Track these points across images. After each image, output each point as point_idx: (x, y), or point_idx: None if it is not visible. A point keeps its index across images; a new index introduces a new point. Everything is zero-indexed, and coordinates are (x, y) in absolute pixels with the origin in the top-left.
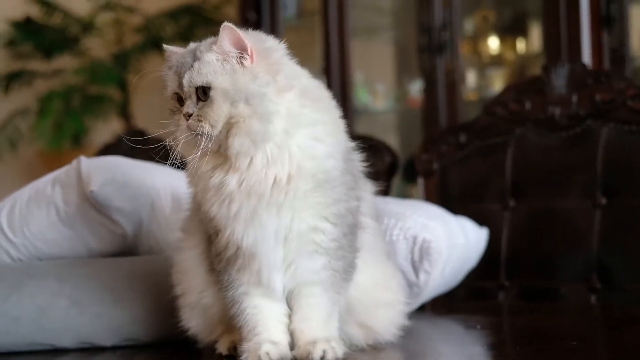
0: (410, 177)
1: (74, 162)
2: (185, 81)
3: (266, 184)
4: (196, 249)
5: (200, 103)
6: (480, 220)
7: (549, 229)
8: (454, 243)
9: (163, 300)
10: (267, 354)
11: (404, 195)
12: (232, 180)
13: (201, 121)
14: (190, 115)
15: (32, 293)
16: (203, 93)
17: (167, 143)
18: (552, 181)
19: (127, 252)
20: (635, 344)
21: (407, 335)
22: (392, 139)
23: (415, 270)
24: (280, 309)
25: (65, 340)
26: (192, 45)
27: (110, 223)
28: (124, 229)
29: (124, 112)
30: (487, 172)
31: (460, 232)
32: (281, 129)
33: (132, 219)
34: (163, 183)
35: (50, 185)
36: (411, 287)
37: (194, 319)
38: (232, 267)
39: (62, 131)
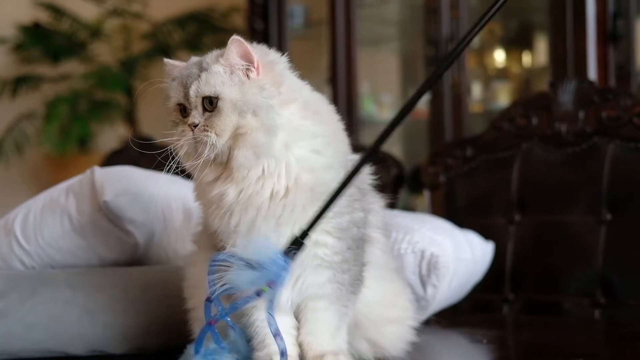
0: (414, 188)
1: (88, 172)
2: (192, 91)
3: (263, 196)
4: (207, 263)
5: (207, 113)
6: (485, 233)
7: (554, 244)
8: (461, 257)
9: (174, 310)
10: None
11: (408, 205)
12: (231, 192)
13: (207, 131)
14: (196, 126)
15: (46, 301)
16: (209, 103)
17: (169, 152)
18: (557, 196)
19: (137, 262)
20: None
21: (414, 349)
22: (396, 150)
23: (423, 284)
24: (288, 321)
25: (77, 348)
26: (194, 58)
27: (123, 233)
28: (136, 239)
29: (130, 117)
30: (493, 186)
31: (467, 247)
32: (281, 141)
33: (144, 230)
34: (174, 195)
35: (64, 195)
36: (419, 300)
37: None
38: None
39: (69, 136)
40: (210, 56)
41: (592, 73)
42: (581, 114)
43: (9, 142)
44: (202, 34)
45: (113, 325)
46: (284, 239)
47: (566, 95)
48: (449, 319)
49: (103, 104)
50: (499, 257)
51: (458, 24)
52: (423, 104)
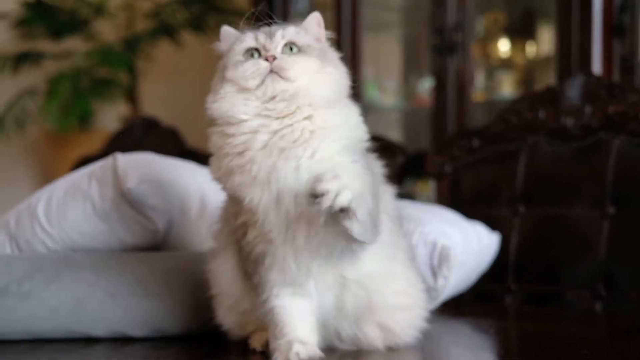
0: (415, 174)
1: (110, 159)
2: (278, 33)
3: (289, 139)
4: (230, 259)
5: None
6: (490, 224)
7: (557, 236)
8: (469, 249)
9: (194, 295)
10: (297, 354)
11: (408, 192)
12: (261, 137)
13: (286, 69)
14: (274, 58)
15: (70, 284)
16: (290, 50)
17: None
18: (562, 190)
19: (156, 248)
20: None
21: (423, 338)
22: (395, 135)
23: (434, 274)
24: (308, 306)
25: (99, 330)
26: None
27: (144, 219)
28: (156, 226)
29: (131, 96)
30: (499, 177)
31: (475, 238)
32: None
33: (164, 217)
34: (192, 184)
35: (86, 180)
36: (429, 291)
37: (229, 318)
38: (262, 265)
39: (70, 113)
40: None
41: (597, 66)
42: (588, 109)
43: (9, 118)
44: (206, 14)
45: (134, 308)
46: (302, 184)
47: (573, 90)
48: (453, 308)
49: (105, 82)
50: (503, 248)
51: (465, 13)
52: (426, 92)
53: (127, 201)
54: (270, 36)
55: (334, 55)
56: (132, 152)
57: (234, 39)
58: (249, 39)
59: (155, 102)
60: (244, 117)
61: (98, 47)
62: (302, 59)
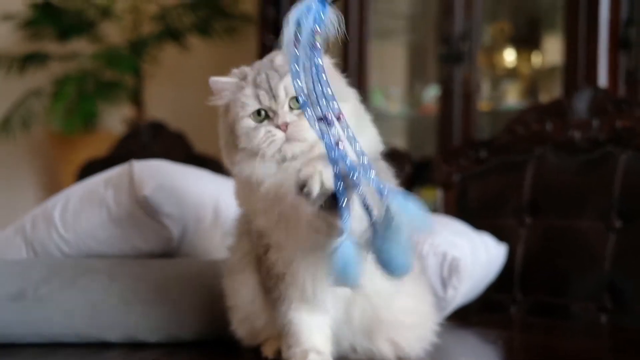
0: (419, 181)
1: (126, 166)
2: (280, 91)
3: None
4: (250, 279)
5: (295, 112)
6: (496, 234)
7: (563, 248)
8: (478, 260)
9: (207, 301)
10: None
11: None
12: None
13: (302, 130)
14: (287, 125)
15: (85, 289)
16: (297, 101)
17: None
18: (568, 202)
19: (169, 255)
20: None
21: (432, 350)
22: (400, 143)
23: (444, 285)
24: (325, 319)
25: (113, 335)
26: (245, 68)
27: (160, 226)
28: (171, 233)
29: (136, 99)
30: (506, 188)
31: (483, 249)
32: None
33: (179, 224)
34: (206, 191)
35: (102, 186)
36: (439, 301)
37: (243, 329)
38: (282, 282)
39: (75, 114)
40: (279, 59)
41: (603, 78)
42: (595, 123)
43: (15, 118)
44: (212, 18)
45: (148, 314)
46: None
47: (581, 103)
48: (459, 317)
49: (110, 84)
50: (509, 259)
51: (472, 22)
52: (432, 100)
53: (142, 208)
54: (274, 96)
55: (341, 85)
56: (139, 155)
57: (230, 93)
58: (252, 100)
59: (160, 106)
60: (266, 179)
61: (104, 49)
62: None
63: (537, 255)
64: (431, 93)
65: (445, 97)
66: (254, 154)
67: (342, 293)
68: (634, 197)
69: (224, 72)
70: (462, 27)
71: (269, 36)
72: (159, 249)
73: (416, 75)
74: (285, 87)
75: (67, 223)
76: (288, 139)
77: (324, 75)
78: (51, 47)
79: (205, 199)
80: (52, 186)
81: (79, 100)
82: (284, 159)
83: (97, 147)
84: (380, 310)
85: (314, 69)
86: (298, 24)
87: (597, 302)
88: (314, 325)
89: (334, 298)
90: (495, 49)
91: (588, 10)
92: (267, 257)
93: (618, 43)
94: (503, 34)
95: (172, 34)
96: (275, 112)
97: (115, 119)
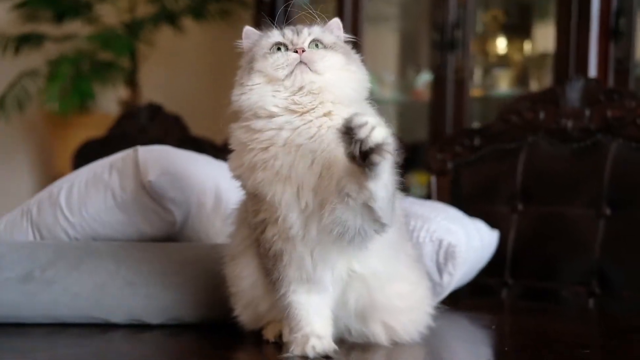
0: (411, 165)
1: (130, 151)
2: (305, 31)
3: (307, 134)
4: (251, 264)
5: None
6: (489, 220)
7: (554, 234)
8: (472, 246)
9: (209, 285)
10: (313, 347)
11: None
12: (283, 134)
13: (315, 61)
14: (304, 51)
15: (91, 271)
16: (316, 46)
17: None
18: (560, 189)
19: (172, 239)
20: None
21: (427, 334)
22: (392, 128)
23: (440, 271)
24: (324, 301)
25: (118, 316)
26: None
27: (163, 211)
28: (174, 218)
29: (131, 80)
30: (499, 175)
31: (477, 235)
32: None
33: (182, 209)
34: (208, 177)
35: (107, 171)
36: (435, 287)
37: (246, 314)
38: (280, 262)
39: (71, 95)
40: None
41: (593, 68)
42: (587, 112)
43: (10, 98)
44: (207, 1)
45: (152, 296)
46: (316, 177)
47: (573, 93)
48: (451, 301)
49: (106, 65)
50: (501, 244)
51: (465, 10)
52: (424, 86)
53: (147, 193)
54: (297, 32)
55: (356, 56)
56: (136, 137)
57: (258, 37)
58: (276, 34)
59: (154, 87)
60: (274, 109)
61: (100, 30)
62: (329, 54)
63: (528, 240)
64: (423, 79)
65: (438, 84)
66: (266, 81)
67: (338, 274)
68: (624, 185)
69: (219, 55)
70: (455, 14)
71: (263, 19)
72: (162, 233)
73: (409, 62)
74: (310, 30)
75: (72, 207)
76: (301, 62)
77: None
78: (47, 28)
79: (207, 184)
80: (47, 167)
81: (75, 81)
82: (294, 88)
83: (92, 128)
84: (375, 293)
85: None
86: None
87: (586, 287)
88: (314, 307)
89: (332, 279)
90: (487, 36)
91: (579, 0)
92: (265, 235)
93: (608, 33)
94: (495, 22)
95: (167, 16)
96: (295, 44)
97: (110, 101)
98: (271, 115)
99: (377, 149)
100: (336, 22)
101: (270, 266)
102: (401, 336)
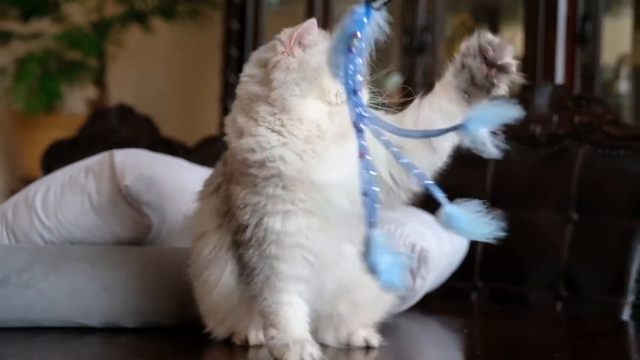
0: None
1: (106, 155)
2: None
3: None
4: (227, 267)
5: None
6: None
7: (522, 238)
8: (443, 251)
9: (186, 289)
10: (311, 355)
11: None
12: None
13: None
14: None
15: (68, 275)
16: None
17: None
18: (528, 194)
19: (149, 242)
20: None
21: (394, 335)
22: None
23: (413, 276)
24: (303, 302)
25: (94, 320)
26: None
27: (139, 215)
28: (150, 221)
29: (99, 80)
30: (469, 180)
31: (448, 240)
32: None
33: (159, 213)
34: (185, 181)
35: (83, 174)
36: (407, 291)
37: (220, 328)
38: (277, 261)
39: (38, 95)
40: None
41: (560, 73)
42: (555, 118)
43: None
44: (176, 1)
45: (128, 300)
46: None
47: (541, 99)
48: (421, 305)
49: (74, 64)
50: (471, 248)
51: (434, 14)
52: (392, 88)
53: (123, 197)
54: None
55: None
56: (106, 138)
57: None
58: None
59: (123, 87)
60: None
61: (67, 30)
62: None
63: (497, 245)
64: (392, 82)
65: (407, 88)
66: None
67: (329, 265)
68: (590, 190)
69: (188, 55)
70: (424, 19)
71: (233, 20)
72: (138, 237)
73: (377, 64)
74: None
75: (48, 211)
76: None
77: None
78: (14, 25)
79: (185, 188)
80: (12, 166)
81: (42, 80)
82: None
83: (59, 128)
84: (352, 276)
85: (350, 66)
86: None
87: (553, 291)
88: (303, 309)
89: (321, 269)
90: (456, 40)
91: (547, 5)
92: (281, 229)
93: (575, 38)
94: (464, 26)
95: (136, 15)
96: None
97: (77, 101)
98: None
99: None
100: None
101: (262, 264)
102: (367, 315)
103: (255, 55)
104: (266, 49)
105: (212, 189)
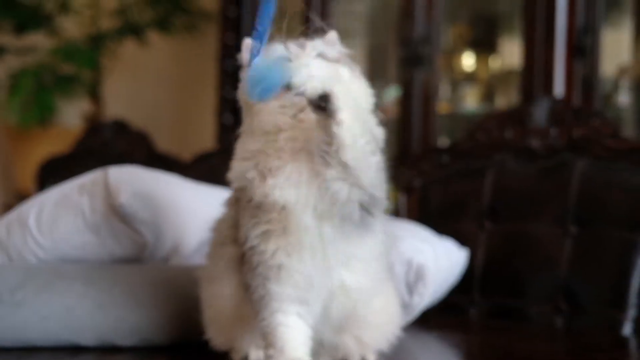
0: None
1: (100, 172)
2: (309, 45)
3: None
4: (230, 285)
5: None
6: (457, 238)
7: (521, 252)
8: (441, 266)
9: (181, 307)
10: None
11: None
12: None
13: None
14: None
15: (61, 294)
16: None
17: None
18: (527, 207)
19: (144, 260)
20: None
21: (396, 353)
22: None
23: (410, 292)
24: (307, 327)
25: (88, 339)
26: None
27: (134, 233)
28: (145, 239)
29: (94, 94)
30: (467, 193)
31: (445, 255)
32: None
33: (154, 231)
34: (181, 197)
35: (77, 192)
36: (405, 307)
37: (220, 337)
38: (272, 279)
39: (32, 108)
40: None
41: (559, 85)
42: (553, 131)
43: None
44: (172, 14)
45: (123, 319)
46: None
47: (540, 112)
48: (420, 320)
49: (68, 78)
50: (469, 262)
51: (432, 26)
52: (391, 101)
53: (117, 215)
54: (302, 47)
55: (358, 69)
56: (100, 154)
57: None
58: (280, 49)
59: (118, 101)
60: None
61: (62, 43)
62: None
63: (496, 258)
64: (390, 95)
65: (405, 100)
66: None
67: (329, 288)
68: (589, 203)
69: (184, 68)
70: (422, 30)
71: (229, 33)
72: (133, 254)
73: (375, 77)
74: (314, 44)
75: (42, 229)
76: None
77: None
78: (7, 39)
79: (180, 205)
80: (6, 181)
81: (37, 94)
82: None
83: (54, 142)
84: (359, 307)
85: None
86: None
87: (552, 305)
88: (304, 331)
89: (318, 292)
90: (454, 52)
91: (546, 17)
92: (264, 248)
93: (574, 50)
94: (462, 38)
95: (131, 29)
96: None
97: (72, 115)
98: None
99: (325, 101)
100: (333, 35)
101: (257, 283)
102: (370, 349)
103: None
104: None
105: (233, 199)
